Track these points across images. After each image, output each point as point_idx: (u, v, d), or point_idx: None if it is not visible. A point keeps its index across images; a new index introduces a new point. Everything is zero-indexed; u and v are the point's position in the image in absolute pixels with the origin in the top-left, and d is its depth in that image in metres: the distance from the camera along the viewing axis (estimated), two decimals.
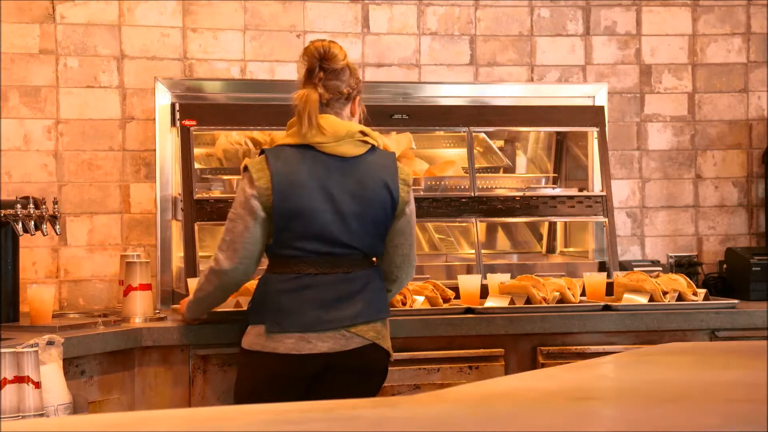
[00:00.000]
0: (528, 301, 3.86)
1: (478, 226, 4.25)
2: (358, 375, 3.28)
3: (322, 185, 3.24)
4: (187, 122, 4.13)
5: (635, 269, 4.16)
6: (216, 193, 4.16)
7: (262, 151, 3.32)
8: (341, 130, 3.27)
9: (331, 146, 3.27)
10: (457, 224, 4.39)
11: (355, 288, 3.27)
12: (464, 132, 4.32)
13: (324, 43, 3.33)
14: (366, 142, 3.31)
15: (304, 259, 3.25)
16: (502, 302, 3.87)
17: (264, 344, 3.24)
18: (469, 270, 4.21)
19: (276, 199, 3.22)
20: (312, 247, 3.24)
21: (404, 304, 3.81)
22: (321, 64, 3.30)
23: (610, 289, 4.03)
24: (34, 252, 4.19)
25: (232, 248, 3.27)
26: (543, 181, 4.47)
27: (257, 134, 4.42)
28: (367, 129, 3.33)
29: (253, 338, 3.27)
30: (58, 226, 3.71)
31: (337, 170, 3.26)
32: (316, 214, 3.23)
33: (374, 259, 3.37)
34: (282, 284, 3.25)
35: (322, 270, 3.26)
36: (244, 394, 3.31)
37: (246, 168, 3.29)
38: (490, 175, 4.48)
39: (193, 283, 3.67)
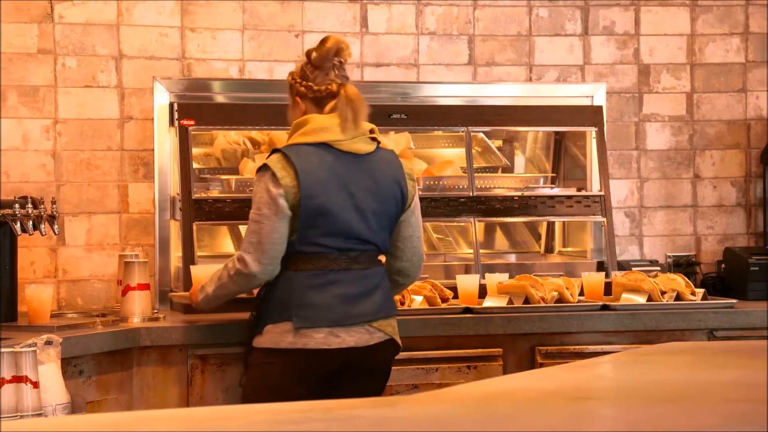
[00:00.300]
0: (526, 300, 3.86)
1: (476, 226, 4.25)
2: (376, 369, 3.37)
3: (342, 182, 3.28)
4: (185, 122, 4.13)
5: (633, 269, 4.16)
6: (214, 193, 4.15)
7: (276, 151, 3.31)
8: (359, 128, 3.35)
9: (347, 143, 3.31)
10: (455, 224, 4.39)
11: (372, 284, 3.34)
12: (462, 132, 4.32)
13: (339, 38, 3.39)
14: (374, 140, 3.37)
15: (326, 255, 3.28)
16: (501, 302, 3.87)
17: (293, 341, 3.24)
18: (467, 270, 4.21)
19: (303, 197, 3.24)
20: (335, 243, 3.28)
21: (402, 303, 3.81)
22: (339, 59, 3.36)
23: (608, 288, 4.03)
24: (32, 252, 4.19)
25: (260, 249, 3.24)
26: (541, 180, 4.47)
27: (256, 134, 4.42)
28: (373, 126, 3.39)
29: (279, 336, 3.25)
30: (56, 226, 3.71)
31: (354, 167, 3.30)
32: (340, 210, 3.27)
33: (381, 257, 3.41)
34: (308, 280, 3.27)
35: (343, 266, 3.30)
36: (268, 394, 3.23)
37: (266, 167, 3.27)
38: (488, 174, 4.48)
39: (197, 271, 3.66)
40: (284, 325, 3.25)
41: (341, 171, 3.28)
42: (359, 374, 3.33)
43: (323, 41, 3.39)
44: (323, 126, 3.31)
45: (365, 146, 3.33)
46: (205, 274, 3.61)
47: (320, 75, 3.35)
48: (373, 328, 3.31)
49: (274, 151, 3.32)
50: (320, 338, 3.25)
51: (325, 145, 3.29)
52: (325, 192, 3.26)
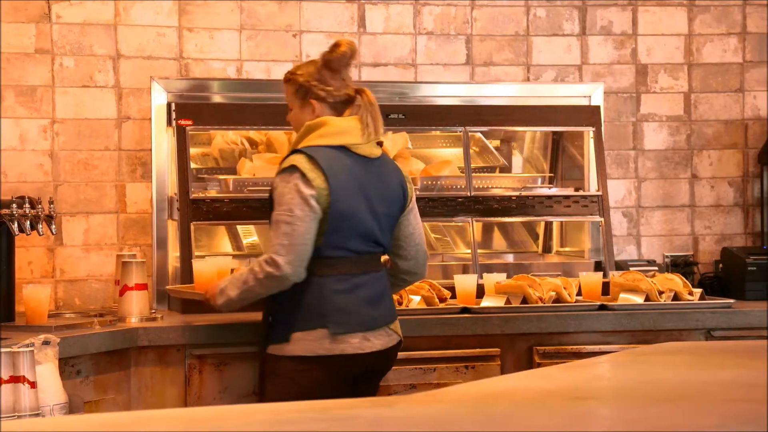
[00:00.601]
0: (524, 300, 3.86)
1: (474, 226, 4.25)
2: (387, 370, 3.43)
3: (360, 185, 3.29)
4: (183, 122, 4.13)
5: (631, 269, 4.17)
6: (212, 193, 4.15)
7: (297, 152, 3.28)
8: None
9: (362, 147, 3.32)
10: (453, 224, 4.39)
11: (384, 286, 3.38)
12: (460, 132, 4.32)
13: (350, 41, 3.40)
14: (379, 144, 3.40)
15: (349, 258, 3.28)
16: (498, 302, 3.87)
17: (330, 347, 3.22)
18: (465, 270, 4.21)
19: (333, 200, 3.23)
20: (356, 246, 3.29)
21: (400, 303, 3.81)
22: (349, 63, 3.39)
23: (606, 288, 4.03)
24: (29, 252, 4.18)
25: (294, 251, 3.19)
26: (539, 180, 4.47)
27: (253, 134, 4.42)
28: None
29: (313, 343, 3.22)
30: (53, 226, 3.71)
31: (368, 171, 3.32)
32: (361, 214, 3.28)
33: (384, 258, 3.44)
34: (336, 285, 3.26)
35: (363, 269, 3.31)
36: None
37: (294, 167, 3.23)
38: (486, 174, 4.48)
39: (199, 267, 3.61)
40: (318, 332, 3.22)
41: (359, 174, 3.29)
42: (375, 376, 3.39)
43: (337, 45, 3.38)
44: (343, 129, 3.30)
45: (374, 150, 3.36)
46: (207, 269, 3.59)
47: (337, 79, 3.36)
48: (391, 330, 3.35)
49: (295, 151, 3.28)
50: (356, 343, 3.26)
51: (342, 148, 3.29)
52: (348, 195, 3.26)
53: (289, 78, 3.40)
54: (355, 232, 3.28)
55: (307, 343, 3.23)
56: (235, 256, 4.20)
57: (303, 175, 3.22)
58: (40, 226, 3.65)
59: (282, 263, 3.18)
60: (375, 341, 3.29)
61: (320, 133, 3.29)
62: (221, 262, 3.68)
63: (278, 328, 3.28)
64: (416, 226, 3.43)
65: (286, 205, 3.21)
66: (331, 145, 3.28)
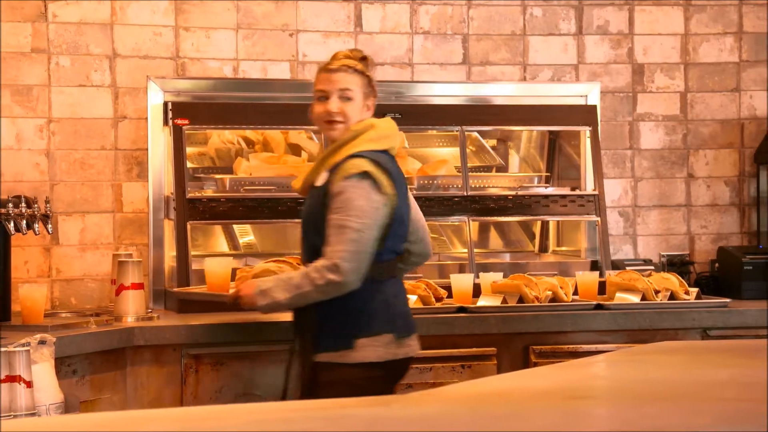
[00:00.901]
0: (520, 300, 3.86)
1: (470, 225, 4.25)
2: None
3: (402, 189, 3.29)
4: (179, 121, 4.13)
5: (627, 268, 4.17)
6: (208, 192, 4.15)
7: (357, 156, 3.19)
8: None
9: (395, 151, 3.33)
10: (449, 223, 4.39)
11: None
12: (457, 131, 4.31)
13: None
14: None
15: (394, 261, 3.28)
16: (495, 301, 3.88)
17: (396, 352, 3.21)
18: (461, 269, 4.21)
19: (397, 206, 3.22)
20: (400, 249, 3.30)
21: None
22: None
23: (602, 288, 4.03)
24: (25, 251, 4.18)
25: (358, 259, 3.13)
26: (535, 180, 4.48)
27: (250, 133, 4.42)
28: None
29: (382, 349, 3.18)
30: (50, 226, 3.70)
31: (400, 173, 3.32)
32: (405, 217, 3.30)
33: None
34: (391, 288, 3.26)
35: (401, 271, 3.34)
36: None
37: (367, 174, 3.16)
38: (482, 174, 4.48)
39: (212, 265, 3.54)
40: (385, 337, 3.19)
41: (399, 178, 3.29)
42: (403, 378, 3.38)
43: (359, 50, 3.37)
44: (387, 132, 3.28)
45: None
46: (221, 267, 3.52)
47: None
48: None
49: (357, 156, 3.20)
50: (414, 345, 3.28)
51: (385, 152, 3.28)
52: (402, 200, 3.27)
53: (362, 71, 3.29)
54: (402, 235, 3.29)
55: (374, 348, 3.18)
56: (235, 256, 4.20)
57: (374, 182, 3.17)
58: (37, 225, 3.65)
59: (347, 270, 3.11)
60: (417, 343, 3.32)
61: (370, 137, 3.24)
62: (234, 263, 3.64)
63: (337, 334, 3.19)
64: (417, 208, 3.42)
65: (355, 211, 3.13)
66: (380, 149, 3.25)
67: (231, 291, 3.45)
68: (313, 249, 3.21)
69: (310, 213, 3.25)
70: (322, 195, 3.21)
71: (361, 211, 3.13)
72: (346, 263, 3.10)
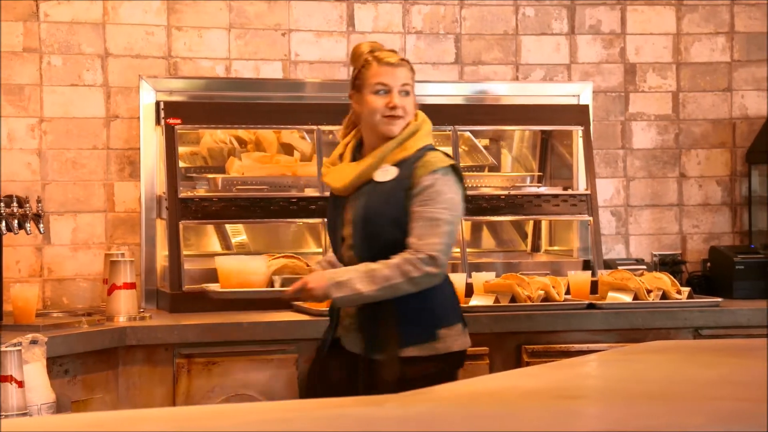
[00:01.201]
0: (513, 299, 3.86)
1: (463, 225, 4.25)
2: None
3: None
4: (171, 121, 4.12)
5: (620, 268, 4.17)
6: (201, 192, 4.15)
7: (432, 149, 3.20)
8: None
9: None
10: None
11: None
12: (449, 131, 4.32)
13: None
14: None
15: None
16: (487, 301, 3.88)
17: (465, 340, 3.23)
18: (454, 268, 4.21)
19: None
20: None
21: None
22: None
23: (594, 287, 4.04)
24: (17, 251, 4.17)
25: (450, 252, 3.15)
26: (528, 179, 4.48)
27: (242, 133, 4.41)
28: None
29: (459, 338, 3.19)
30: (41, 225, 3.70)
31: None
32: None
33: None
34: (448, 280, 3.26)
35: None
36: None
37: (453, 167, 3.17)
38: (475, 173, 4.48)
39: (225, 263, 3.35)
40: (458, 327, 3.19)
41: None
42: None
43: (379, 44, 3.33)
44: (432, 128, 3.29)
45: None
46: (236, 266, 3.33)
47: None
48: None
49: (433, 149, 3.21)
50: (469, 335, 3.28)
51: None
52: None
53: (412, 67, 3.27)
54: None
55: (453, 339, 3.17)
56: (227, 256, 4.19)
57: (459, 176, 3.18)
58: (28, 225, 3.64)
59: (443, 263, 3.11)
60: None
61: (427, 131, 3.24)
62: (248, 260, 3.47)
63: (420, 327, 3.16)
64: None
65: (446, 204, 3.13)
66: (431, 144, 3.25)
67: (294, 285, 3.18)
68: (392, 244, 3.13)
69: (385, 208, 3.16)
70: (398, 189, 3.15)
71: (452, 203, 3.14)
72: (444, 256, 3.10)
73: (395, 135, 3.19)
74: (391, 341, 3.13)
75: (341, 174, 3.23)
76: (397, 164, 3.18)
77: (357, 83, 3.23)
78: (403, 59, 3.25)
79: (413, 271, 3.07)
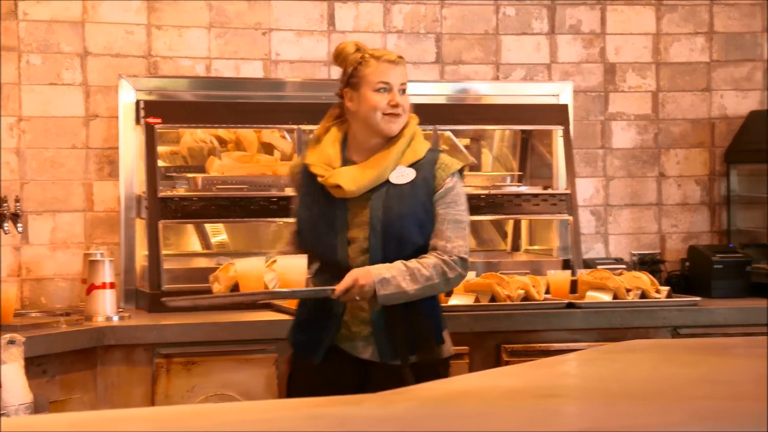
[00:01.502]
0: (492, 299, 3.87)
1: None
2: None
3: None
4: (151, 120, 4.11)
5: (599, 267, 4.18)
6: (180, 191, 4.13)
7: (436, 149, 3.27)
8: None
9: None
10: None
11: None
12: (430, 130, 4.32)
13: None
14: None
15: None
16: (467, 300, 3.88)
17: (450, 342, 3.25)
18: None
19: None
20: None
21: None
22: None
23: (574, 286, 4.05)
24: None
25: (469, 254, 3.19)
26: (508, 179, 4.49)
27: (222, 132, 4.40)
28: None
29: (450, 341, 3.23)
30: (20, 225, 3.68)
31: None
32: None
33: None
34: None
35: None
36: None
37: (462, 170, 3.21)
38: None
39: (244, 266, 3.12)
40: (447, 330, 3.23)
41: None
42: None
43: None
44: None
45: None
46: (254, 268, 3.12)
47: None
48: None
49: (437, 150, 3.26)
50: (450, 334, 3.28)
51: None
52: None
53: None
54: None
55: (450, 341, 3.22)
56: (207, 255, 4.19)
57: (462, 178, 3.23)
58: (6, 224, 3.62)
59: (469, 265, 3.15)
60: None
61: (421, 132, 3.25)
62: (260, 262, 3.30)
63: (435, 330, 3.17)
64: None
65: (465, 206, 3.18)
66: None
67: (344, 283, 3.06)
68: (413, 245, 3.11)
69: (408, 210, 3.11)
70: (421, 191, 3.12)
71: (467, 206, 3.20)
72: (469, 258, 3.15)
73: (394, 133, 3.17)
74: (401, 345, 3.09)
75: (353, 176, 3.12)
76: (412, 164, 3.17)
77: (353, 81, 3.17)
78: (400, 57, 3.25)
79: (449, 273, 3.10)
